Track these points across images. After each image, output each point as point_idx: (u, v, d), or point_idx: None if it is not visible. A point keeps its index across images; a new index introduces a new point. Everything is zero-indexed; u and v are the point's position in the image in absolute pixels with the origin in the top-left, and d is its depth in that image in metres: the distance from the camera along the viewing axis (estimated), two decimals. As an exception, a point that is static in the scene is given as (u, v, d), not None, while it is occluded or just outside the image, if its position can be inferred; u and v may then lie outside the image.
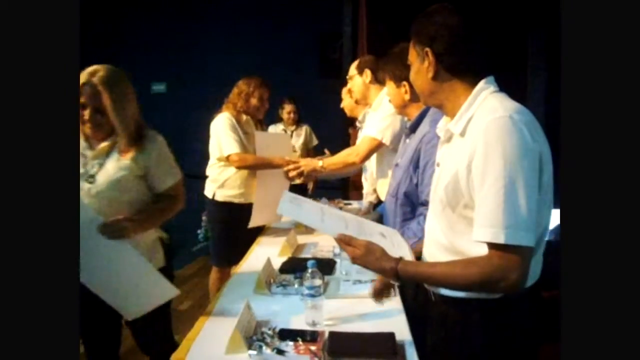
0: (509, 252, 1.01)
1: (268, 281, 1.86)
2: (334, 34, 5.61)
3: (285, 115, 4.48)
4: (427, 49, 1.17)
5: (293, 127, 4.58)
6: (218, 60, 6.30)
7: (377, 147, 2.47)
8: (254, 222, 2.74)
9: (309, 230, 2.73)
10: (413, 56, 1.24)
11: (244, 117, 2.90)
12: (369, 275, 1.90)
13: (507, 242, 1.00)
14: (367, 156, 2.52)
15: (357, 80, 2.70)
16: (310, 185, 4.41)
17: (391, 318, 1.56)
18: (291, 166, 2.63)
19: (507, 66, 3.92)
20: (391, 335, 1.36)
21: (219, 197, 2.92)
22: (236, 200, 2.90)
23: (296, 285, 1.80)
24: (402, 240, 1.36)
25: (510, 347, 1.16)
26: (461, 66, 1.17)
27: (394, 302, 1.67)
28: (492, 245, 1.03)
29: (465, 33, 1.15)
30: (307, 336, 1.38)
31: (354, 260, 1.23)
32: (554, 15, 0.90)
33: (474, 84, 1.16)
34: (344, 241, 1.25)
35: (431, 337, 1.34)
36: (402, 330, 1.45)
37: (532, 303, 1.16)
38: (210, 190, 2.95)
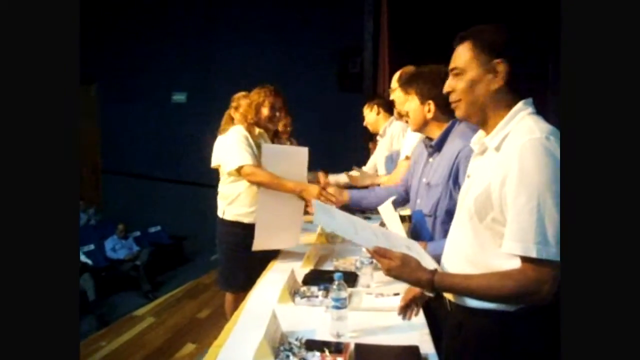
0: (541, 265, 1.06)
1: (292, 292, 1.90)
2: (354, 49, 5.67)
3: (280, 128, 3.75)
4: (498, 61, 1.17)
5: (289, 142, 4.25)
6: (238, 72, 6.39)
7: None
8: (257, 245, 2.44)
9: (330, 242, 2.78)
10: (471, 65, 1.21)
11: (257, 130, 2.64)
12: (391, 288, 1.94)
13: (539, 256, 1.05)
14: None
15: (399, 92, 2.64)
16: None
17: (414, 331, 1.58)
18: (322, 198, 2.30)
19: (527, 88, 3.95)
20: (416, 349, 1.39)
21: (228, 216, 2.65)
22: (245, 220, 2.60)
23: (320, 297, 1.83)
24: (423, 252, 1.39)
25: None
26: (522, 84, 1.19)
27: (418, 316, 1.69)
28: (525, 259, 1.08)
29: (532, 52, 1.20)
30: (334, 347, 1.41)
31: (389, 271, 1.25)
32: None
33: (516, 102, 1.19)
34: (379, 253, 1.27)
35: (447, 347, 1.36)
36: (425, 343, 1.48)
37: (551, 316, 1.15)
38: (220, 208, 2.70)
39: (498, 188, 1.12)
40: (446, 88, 1.28)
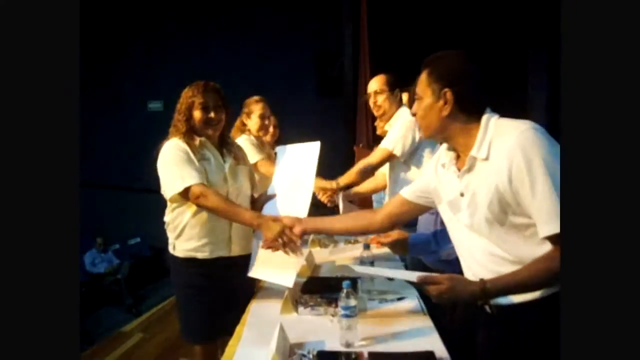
0: None
1: (294, 302, 1.86)
2: (332, 53, 5.67)
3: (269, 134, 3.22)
4: (447, 90, 1.28)
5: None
6: (215, 78, 6.26)
7: (388, 157, 2.54)
8: (253, 272, 2.04)
9: (324, 247, 2.75)
10: (426, 92, 1.33)
11: (197, 139, 2.10)
12: (394, 293, 1.93)
13: None
14: (378, 164, 2.58)
15: (385, 95, 2.69)
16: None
17: (424, 336, 1.56)
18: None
19: (507, 84, 4.02)
20: (431, 354, 1.38)
21: (179, 252, 2.10)
22: (199, 255, 2.07)
23: (324, 305, 1.80)
24: None
25: None
26: (475, 106, 1.30)
27: (425, 320, 1.69)
28: (558, 237, 1.13)
29: (480, 78, 1.30)
30: (348, 358, 1.39)
31: (441, 296, 1.26)
32: (555, 33, 0.98)
33: (479, 116, 1.30)
34: (426, 281, 1.29)
35: (492, 348, 1.36)
36: (437, 348, 1.46)
37: None
38: (170, 241, 2.16)
39: (507, 185, 1.19)
40: (412, 111, 1.40)
